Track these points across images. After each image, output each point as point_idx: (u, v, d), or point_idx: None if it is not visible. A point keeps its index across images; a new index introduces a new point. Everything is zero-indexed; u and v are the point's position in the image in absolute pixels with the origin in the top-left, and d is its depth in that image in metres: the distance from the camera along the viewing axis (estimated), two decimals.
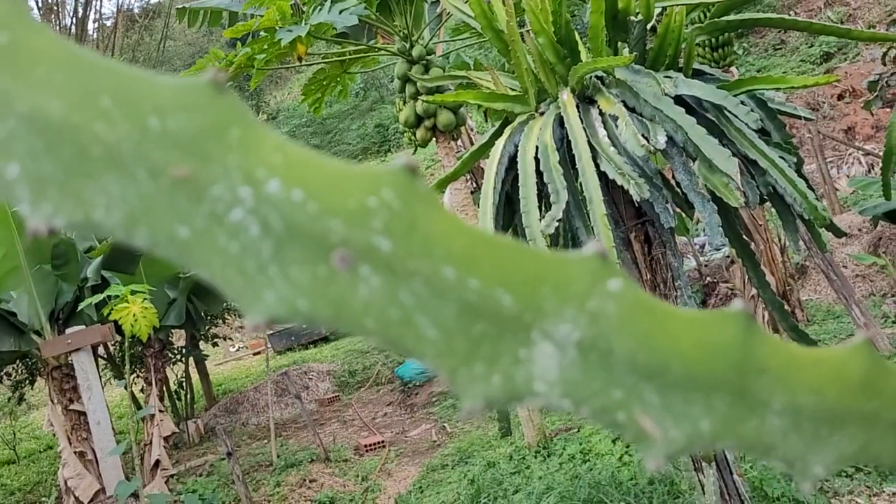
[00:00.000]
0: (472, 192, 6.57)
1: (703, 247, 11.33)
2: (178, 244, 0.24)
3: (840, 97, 16.14)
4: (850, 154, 13.60)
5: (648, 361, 0.27)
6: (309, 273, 0.24)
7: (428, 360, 0.26)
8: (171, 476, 7.06)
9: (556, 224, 2.64)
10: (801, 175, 2.85)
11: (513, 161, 2.88)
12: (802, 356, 0.30)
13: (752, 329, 0.29)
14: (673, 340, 0.28)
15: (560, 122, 2.83)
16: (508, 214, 3.11)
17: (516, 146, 2.87)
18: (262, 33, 4.56)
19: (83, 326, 6.67)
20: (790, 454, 0.30)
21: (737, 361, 0.28)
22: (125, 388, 5.68)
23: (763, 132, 2.98)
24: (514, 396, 0.26)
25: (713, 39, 6.61)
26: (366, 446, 7.78)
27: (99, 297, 5.34)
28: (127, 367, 5.42)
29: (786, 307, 3.44)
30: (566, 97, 2.84)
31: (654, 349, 0.27)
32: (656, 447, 0.27)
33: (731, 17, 3.16)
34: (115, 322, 5.49)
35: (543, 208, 2.84)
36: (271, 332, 14.38)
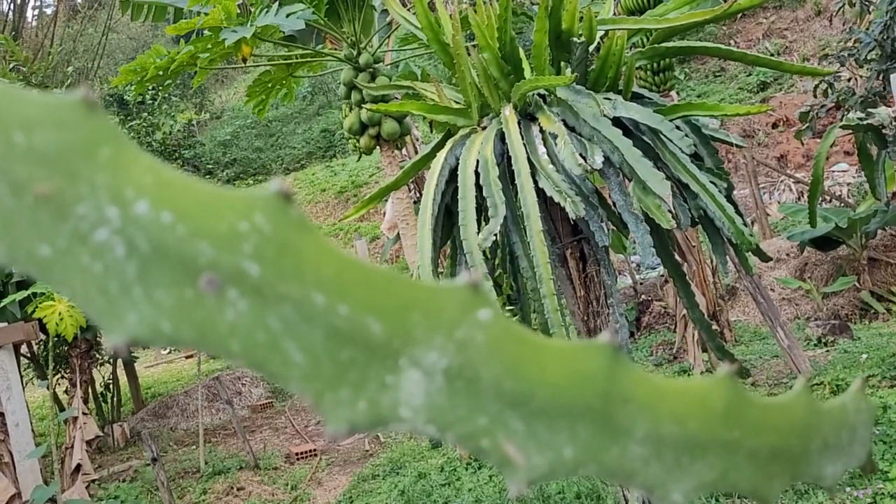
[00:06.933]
0: (414, 203, 6.58)
1: (639, 265, 11.57)
2: (38, 262, 0.24)
3: (774, 126, 16.76)
4: (781, 181, 14.11)
5: (515, 389, 0.28)
6: (175, 295, 0.24)
7: (293, 384, 0.26)
8: (93, 481, 6.84)
9: (494, 238, 2.67)
10: (730, 200, 2.95)
11: (453, 173, 2.90)
12: (667, 387, 0.32)
13: (618, 360, 0.30)
14: (540, 369, 0.29)
15: (501, 137, 2.86)
16: (447, 226, 3.13)
17: (457, 159, 2.89)
18: (206, 32, 4.49)
19: (5, 324, 6.43)
20: (650, 481, 0.31)
21: (602, 391, 0.29)
22: (48, 388, 5.49)
23: (696, 157, 3.07)
24: (379, 422, 0.27)
25: (655, 64, 6.79)
26: (297, 454, 7.68)
27: (23, 294, 5.17)
28: (50, 367, 5.24)
29: (714, 327, 3.54)
30: (508, 113, 2.88)
31: (520, 378, 0.28)
32: (519, 473, 0.28)
33: (671, 43, 3.25)
34: (40, 320, 5.31)
35: (482, 222, 2.86)
36: None
